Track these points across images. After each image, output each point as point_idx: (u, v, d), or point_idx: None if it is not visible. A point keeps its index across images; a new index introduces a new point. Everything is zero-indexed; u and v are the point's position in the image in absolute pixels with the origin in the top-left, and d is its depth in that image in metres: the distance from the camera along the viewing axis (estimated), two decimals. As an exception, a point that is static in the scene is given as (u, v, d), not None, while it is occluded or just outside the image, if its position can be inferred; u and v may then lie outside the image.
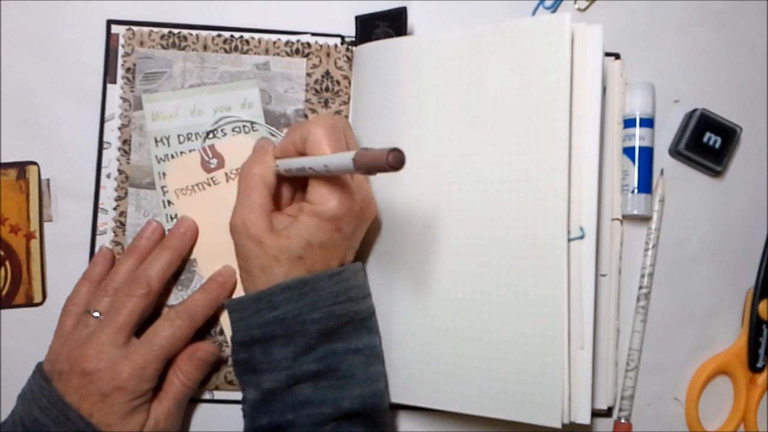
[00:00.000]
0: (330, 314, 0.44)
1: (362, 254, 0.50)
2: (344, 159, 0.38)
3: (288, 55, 0.52)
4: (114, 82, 0.51)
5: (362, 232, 0.47)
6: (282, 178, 0.47)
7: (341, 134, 0.45)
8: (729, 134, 0.52)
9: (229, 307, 0.46)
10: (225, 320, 0.50)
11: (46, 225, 0.51)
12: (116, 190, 0.51)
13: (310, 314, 0.43)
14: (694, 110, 0.53)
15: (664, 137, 0.53)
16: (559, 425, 0.42)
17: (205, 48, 0.51)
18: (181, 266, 0.50)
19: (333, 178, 0.43)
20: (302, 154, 0.44)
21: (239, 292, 0.49)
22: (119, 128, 0.51)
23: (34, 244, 0.51)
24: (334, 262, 0.45)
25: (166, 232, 0.50)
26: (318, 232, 0.43)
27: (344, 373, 0.44)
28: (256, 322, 0.44)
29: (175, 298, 0.50)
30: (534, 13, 0.54)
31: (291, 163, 0.44)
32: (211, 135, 0.51)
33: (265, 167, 0.46)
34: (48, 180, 0.51)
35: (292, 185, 0.48)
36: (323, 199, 0.43)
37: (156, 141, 0.51)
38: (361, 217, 0.45)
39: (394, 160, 0.35)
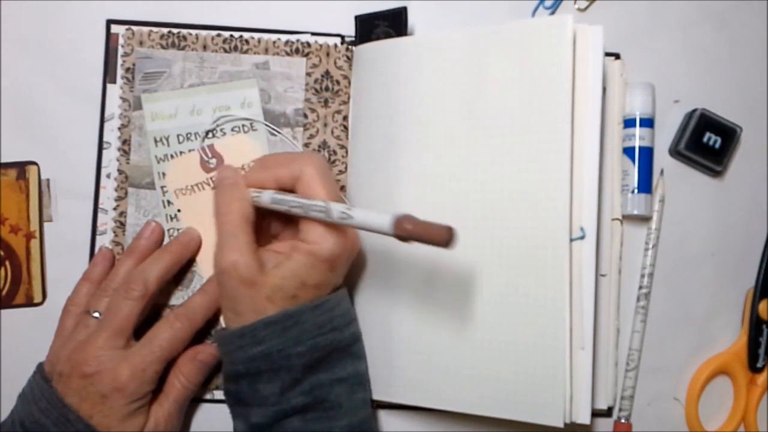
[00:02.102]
0: (314, 346, 0.43)
1: (362, 254, 0.50)
2: (380, 221, 0.36)
3: (288, 54, 0.51)
4: (114, 82, 0.51)
5: (348, 267, 0.46)
6: (258, 210, 0.44)
7: (332, 177, 0.44)
8: (729, 134, 0.52)
9: (216, 340, 0.44)
10: (225, 320, 0.50)
11: (46, 225, 0.51)
12: (116, 190, 0.51)
13: (294, 348, 0.42)
14: (694, 110, 0.53)
15: (664, 137, 0.53)
16: (561, 424, 0.42)
17: (204, 48, 0.51)
18: (183, 268, 0.50)
19: None
20: (286, 189, 0.43)
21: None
22: (119, 128, 0.51)
23: (34, 244, 0.51)
24: (322, 297, 0.44)
25: (166, 232, 0.50)
26: (314, 272, 0.42)
27: (332, 404, 0.43)
28: (240, 358, 0.43)
29: (176, 298, 0.50)
30: (534, 13, 0.53)
31: (288, 201, 0.42)
32: (210, 135, 0.51)
33: (243, 202, 0.44)
34: (48, 180, 0.51)
35: (267, 216, 0.46)
36: (320, 239, 0.42)
37: (155, 141, 0.51)
38: (352, 253, 0.45)
39: (450, 239, 0.33)
